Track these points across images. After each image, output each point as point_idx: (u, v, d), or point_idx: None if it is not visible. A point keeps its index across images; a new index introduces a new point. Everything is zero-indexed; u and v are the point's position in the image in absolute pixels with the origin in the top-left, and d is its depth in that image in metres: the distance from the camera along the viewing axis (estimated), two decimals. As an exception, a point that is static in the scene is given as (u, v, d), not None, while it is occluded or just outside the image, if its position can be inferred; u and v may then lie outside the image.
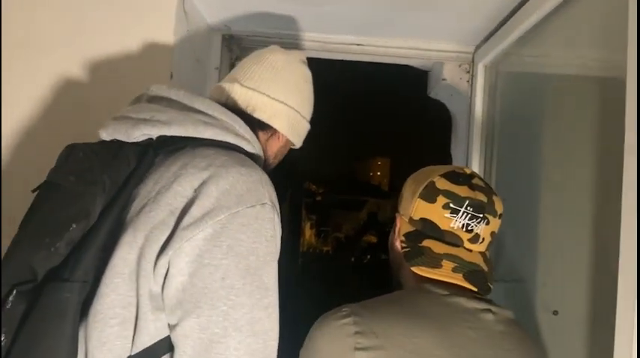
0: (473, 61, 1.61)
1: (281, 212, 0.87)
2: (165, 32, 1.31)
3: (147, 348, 0.76)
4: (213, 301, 0.74)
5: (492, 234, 0.91)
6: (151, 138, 0.86)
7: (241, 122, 0.93)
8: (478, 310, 0.83)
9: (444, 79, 1.66)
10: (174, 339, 0.76)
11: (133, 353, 0.76)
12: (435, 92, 1.78)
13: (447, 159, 1.85)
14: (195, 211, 0.76)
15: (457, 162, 1.74)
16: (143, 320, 0.76)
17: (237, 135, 0.90)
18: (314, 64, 1.52)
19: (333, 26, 1.56)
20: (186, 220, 0.76)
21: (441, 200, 0.88)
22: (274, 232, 0.81)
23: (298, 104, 1.07)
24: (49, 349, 0.72)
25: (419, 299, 0.85)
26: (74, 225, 0.76)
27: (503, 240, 1.46)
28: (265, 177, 0.84)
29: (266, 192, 0.82)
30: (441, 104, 1.85)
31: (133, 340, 0.76)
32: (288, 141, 1.09)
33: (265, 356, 0.75)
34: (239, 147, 0.90)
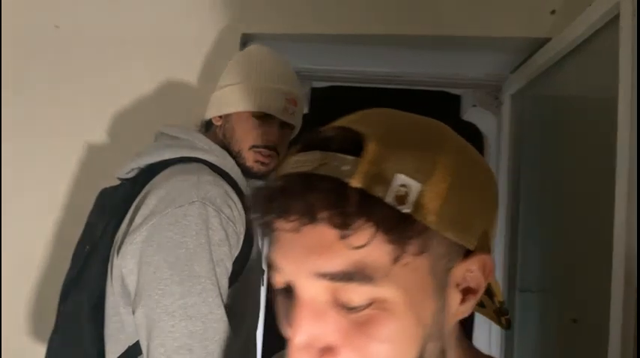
0: (501, 90, 1.77)
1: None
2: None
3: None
4: (149, 292, 0.84)
5: None
6: (141, 169, 1.03)
7: (197, 134, 1.04)
8: None
9: (474, 105, 1.83)
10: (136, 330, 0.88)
11: (131, 344, 0.91)
12: (467, 115, 1.94)
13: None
14: (137, 219, 0.90)
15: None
16: (122, 314, 0.91)
17: (192, 148, 1.00)
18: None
19: (376, 61, 1.76)
20: (132, 228, 0.90)
21: None
22: (205, 225, 0.86)
23: (236, 78, 1.07)
24: (75, 338, 0.96)
25: None
26: (88, 247, 1.01)
27: (530, 252, 1.61)
28: (207, 179, 0.91)
29: (200, 191, 0.88)
30: (474, 124, 2.01)
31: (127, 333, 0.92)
32: (258, 115, 1.05)
33: (206, 337, 0.81)
34: (198, 158, 0.99)
